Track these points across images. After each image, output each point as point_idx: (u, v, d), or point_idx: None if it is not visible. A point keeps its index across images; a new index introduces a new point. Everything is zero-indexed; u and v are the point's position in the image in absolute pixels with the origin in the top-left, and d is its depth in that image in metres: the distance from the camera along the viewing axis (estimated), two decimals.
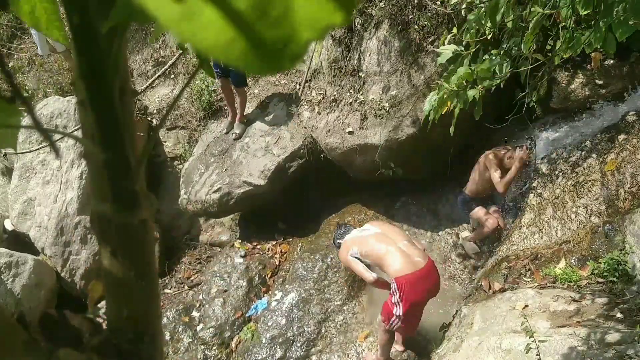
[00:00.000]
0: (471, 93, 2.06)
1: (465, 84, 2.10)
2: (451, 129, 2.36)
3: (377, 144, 4.25)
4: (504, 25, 2.23)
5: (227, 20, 0.21)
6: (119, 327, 0.38)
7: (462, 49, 2.23)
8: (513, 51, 2.24)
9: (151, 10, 0.21)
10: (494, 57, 2.15)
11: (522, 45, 2.14)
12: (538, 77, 3.67)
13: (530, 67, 2.22)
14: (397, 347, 3.57)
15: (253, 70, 0.23)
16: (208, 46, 0.21)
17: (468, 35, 2.26)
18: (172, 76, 6.36)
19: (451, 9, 3.32)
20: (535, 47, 2.23)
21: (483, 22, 2.09)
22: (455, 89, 2.09)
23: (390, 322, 3.09)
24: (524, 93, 2.82)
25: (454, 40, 2.40)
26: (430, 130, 2.90)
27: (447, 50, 2.20)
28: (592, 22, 1.85)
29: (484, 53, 2.25)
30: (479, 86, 2.07)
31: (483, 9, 2.07)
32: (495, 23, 2.02)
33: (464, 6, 2.81)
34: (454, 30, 2.43)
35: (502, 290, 3.24)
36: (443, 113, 2.26)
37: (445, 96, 2.14)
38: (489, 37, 2.29)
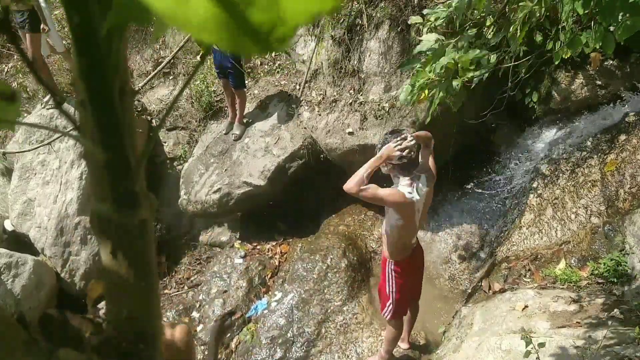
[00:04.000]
0: (455, 83, 2.03)
1: (446, 74, 2.07)
2: (428, 118, 2.37)
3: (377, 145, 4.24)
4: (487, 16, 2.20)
5: (218, 5, 0.23)
6: (119, 327, 0.38)
7: (443, 38, 2.17)
8: (505, 45, 2.21)
9: (146, 0, 0.22)
10: (477, 49, 2.10)
11: (509, 39, 2.11)
12: (544, 77, 3.63)
13: (528, 63, 2.19)
14: (401, 345, 3.55)
15: (242, 52, 0.24)
16: (200, 30, 0.23)
17: (440, 21, 2.19)
18: (172, 76, 6.36)
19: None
20: (530, 41, 2.19)
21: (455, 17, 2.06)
22: (436, 79, 2.07)
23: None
24: (524, 92, 2.79)
25: (434, 28, 2.34)
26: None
27: (429, 39, 2.15)
28: (592, 22, 1.84)
29: (467, 44, 2.20)
30: (460, 77, 2.04)
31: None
32: (463, 17, 2.01)
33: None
34: (432, 18, 2.33)
35: (502, 291, 3.24)
36: (420, 100, 2.24)
37: (424, 83, 2.11)
38: (457, 29, 2.24)
